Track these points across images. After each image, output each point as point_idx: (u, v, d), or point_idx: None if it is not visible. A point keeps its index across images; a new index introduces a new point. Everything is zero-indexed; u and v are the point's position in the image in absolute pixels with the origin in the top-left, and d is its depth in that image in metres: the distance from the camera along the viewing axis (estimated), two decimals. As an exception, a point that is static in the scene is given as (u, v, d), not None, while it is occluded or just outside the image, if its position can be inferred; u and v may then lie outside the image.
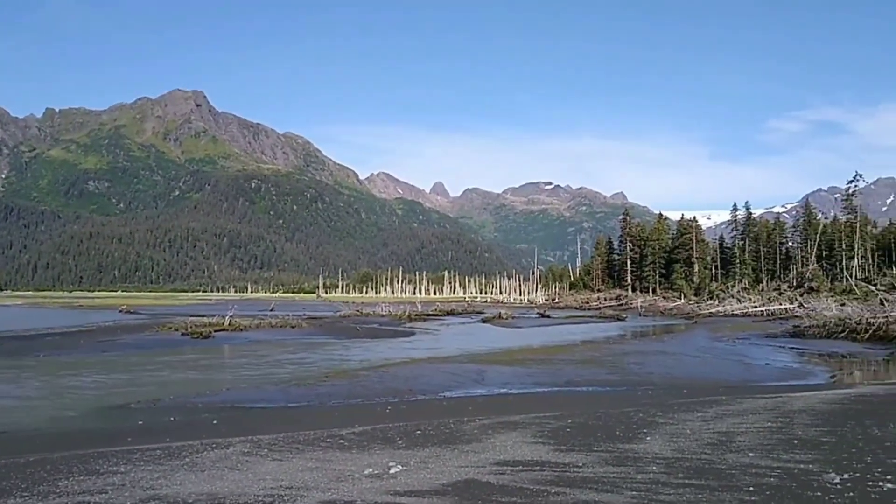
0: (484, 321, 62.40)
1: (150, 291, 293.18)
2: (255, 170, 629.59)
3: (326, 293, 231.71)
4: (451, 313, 75.89)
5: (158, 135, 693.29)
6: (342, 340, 37.74)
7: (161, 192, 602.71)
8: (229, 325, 41.35)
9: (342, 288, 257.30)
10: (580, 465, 7.93)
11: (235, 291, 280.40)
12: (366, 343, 36.27)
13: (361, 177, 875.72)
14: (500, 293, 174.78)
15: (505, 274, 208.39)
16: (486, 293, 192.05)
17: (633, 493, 6.56)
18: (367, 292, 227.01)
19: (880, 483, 6.53)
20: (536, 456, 8.55)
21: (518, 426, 11.13)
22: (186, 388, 18.43)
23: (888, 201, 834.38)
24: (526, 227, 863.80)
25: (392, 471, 7.88)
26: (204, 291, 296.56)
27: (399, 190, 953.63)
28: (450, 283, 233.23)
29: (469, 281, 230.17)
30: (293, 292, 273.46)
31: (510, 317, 65.56)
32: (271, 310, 69.30)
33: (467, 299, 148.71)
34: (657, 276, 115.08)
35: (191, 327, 38.09)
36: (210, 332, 37.39)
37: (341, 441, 10.21)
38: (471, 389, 18.15)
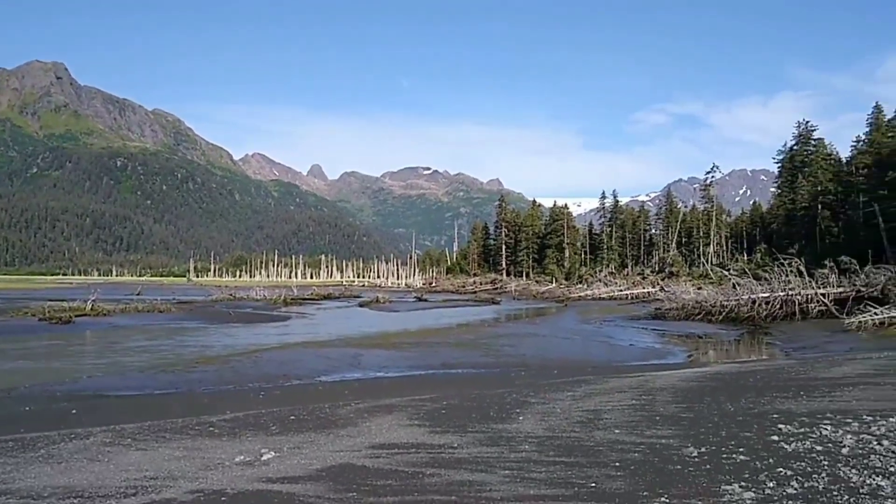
0: (361, 305, 62.08)
1: (5, 274, 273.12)
2: (120, 147, 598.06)
3: (198, 277, 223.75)
4: (328, 297, 75.10)
5: (14, 108, 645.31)
6: (214, 325, 36.54)
7: (17, 168, 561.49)
8: (92, 309, 39.15)
9: (214, 272, 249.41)
10: (455, 446, 7.99)
11: (99, 275, 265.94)
12: (239, 328, 35.28)
13: (236, 157, 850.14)
14: (378, 277, 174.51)
15: (383, 258, 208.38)
16: (364, 277, 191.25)
17: (507, 471, 6.66)
18: (241, 276, 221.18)
19: (734, 455, 6.93)
20: (412, 438, 8.55)
21: (394, 409, 11.11)
22: (44, 375, 17.29)
23: (741, 192, 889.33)
24: (404, 211, 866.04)
25: (264, 457, 7.67)
26: (64, 275, 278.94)
27: (275, 172, 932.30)
28: (327, 267, 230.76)
29: (347, 265, 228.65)
30: (162, 276, 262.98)
31: (388, 301, 65.55)
32: (138, 294, 66.05)
33: (345, 283, 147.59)
34: (531, 261, 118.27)
35: (49, 312, 35.74)
36: (70, 316, 35.24)
37: (211, 428, 9.85)
38: (347, 374, 17.99)
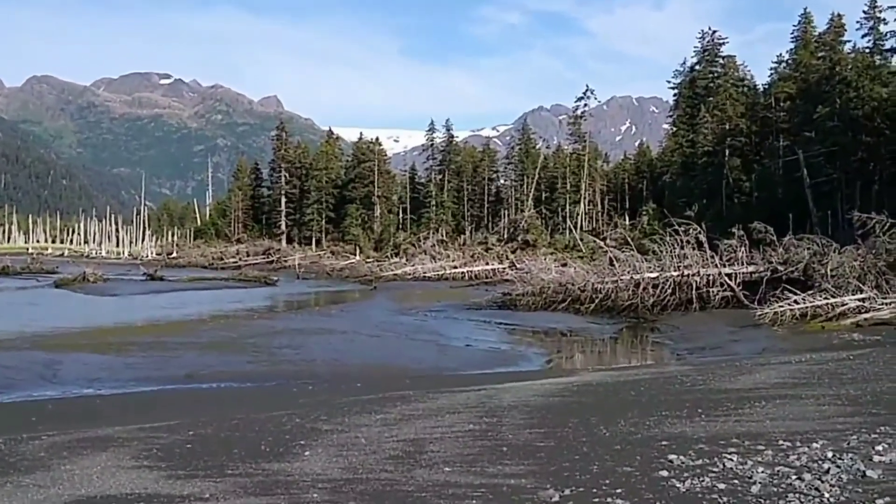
0: (59, 286, 59.77)
1: None
2: None
3: None
4: (3, 273, 71.50)
5: None
6: None
7: None
8: None
9: None
10: (206, 497, 7.87)
11: None
12: None
13: None
14: (87, 242, 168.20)
15: (94, 213, 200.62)
16: (64, 242, 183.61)
17: (285, 533, 6.65)
18: None
19: (608, 499, 7.29)
20: (139, 487, 8.33)
21: (111, 443, 10.78)
22: None
23: (623, 128, 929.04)
24: (129, 141, 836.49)
25: None
26: None
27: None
28: (2, 224, 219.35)
29: (36, 222, 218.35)
30: None
31: (102, 279, 63.39)
32: None
33: (33, 251, 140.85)
34: (324, 223, 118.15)
35: None
36: None
37: None
38: (35, 390, 17.31)
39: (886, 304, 28.61)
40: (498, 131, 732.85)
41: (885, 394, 12.65)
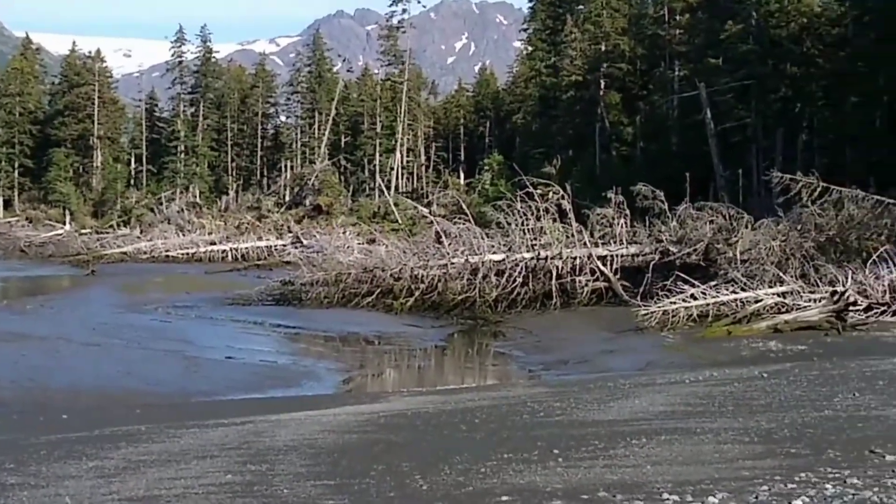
0: None
1: None
2: None
3: None
4: None
5: None
6: None
7: None
8: None
9: None
10: None
11: None
12: None
13: None
14: None
15: None
16: None
17: None
18: None
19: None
20: None
21: None
22: None
23: (458, 46, 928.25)
24: None
25: None
26: None
27: None
28: None
29: None
30: None
31: None
32: None
33: None
34: (17, 175, 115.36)
35: None
36: None
37: None
38: None
39: (815, 300, 29.58)
40: (278, 45, 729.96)
41: (809, 427, 13.02)
